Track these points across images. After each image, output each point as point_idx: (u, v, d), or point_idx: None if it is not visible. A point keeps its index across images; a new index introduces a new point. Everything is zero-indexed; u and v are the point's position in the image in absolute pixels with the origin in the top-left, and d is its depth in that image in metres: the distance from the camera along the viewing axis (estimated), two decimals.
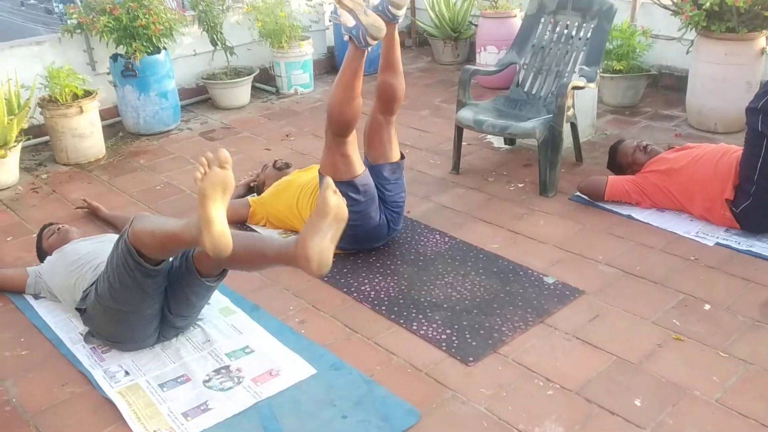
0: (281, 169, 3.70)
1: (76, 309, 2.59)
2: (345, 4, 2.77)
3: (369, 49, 2.82)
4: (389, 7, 2.86)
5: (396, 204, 3.17)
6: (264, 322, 2.72)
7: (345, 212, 2.19)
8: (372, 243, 3.19)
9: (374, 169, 3.10)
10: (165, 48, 4.83)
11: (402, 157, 3.20)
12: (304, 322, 2.75)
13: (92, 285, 2.49)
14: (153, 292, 2.37)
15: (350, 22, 2.76)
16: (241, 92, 5.43)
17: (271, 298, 2.92)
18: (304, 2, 5.94)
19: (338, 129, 2.93)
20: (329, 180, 2.18)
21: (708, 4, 4.08)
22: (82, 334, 2.65)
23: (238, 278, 3.05)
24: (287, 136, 4.83)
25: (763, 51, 4.28)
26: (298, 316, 2.79)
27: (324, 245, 2.13)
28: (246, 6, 5.56)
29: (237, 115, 5.29)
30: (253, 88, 5.62)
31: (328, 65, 6.39)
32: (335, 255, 3.09)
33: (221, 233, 2.06)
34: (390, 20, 2.88)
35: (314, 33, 6.01)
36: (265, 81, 5.84)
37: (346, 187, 2.94)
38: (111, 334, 2.52)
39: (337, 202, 2.16)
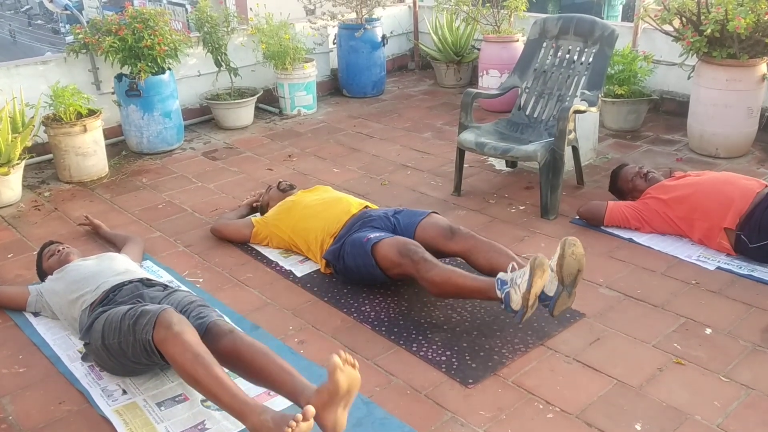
0: (285, 190, 3.70)
1: (81, 340, 2.59)
2: (527, 299, 2.50)
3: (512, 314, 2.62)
4: (553, 310, 2.58)
5: None
6: (264, 342, 2.69)
7: (356, 380, 2.12)
8: (381, 281, 3.11)
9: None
10: (169, 68, 4.87)
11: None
12: (304, 342, 2.74)
13: (95, 313, 2.49)
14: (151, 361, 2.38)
15: (516, 305, 2.52)
16: (244, 113, 5.46)
17: (270, 317, 2.91)
18: (308, 25, 6.00)
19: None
20: (336, 360, 2.05)
21: (709, 30, 4.12)
22: (80, 352, 2.64)
23: (238, 298, 3.05)
24: (290, 156, 4.85)
25: (764, 77, 4.30)
26: (297, 336, 2.78)
27: (337, 415, 2.11)
28: (250, 28, 5.61)
29: (240, 136, 5.32)
30: (257, 108, 5.66)
31: (332, 87, 6.43)
32: (335, 276, 3.15)
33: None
34: (503, 308, 2.60)
35: (318, 55, 6.07)
36: (269, 102, 5.88)
37: (376, 270, 2.93)
38: (112, 369, 2.50)
39: (347, 380, 2.08)
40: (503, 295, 2.55)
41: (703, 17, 4.21)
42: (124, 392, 2.45)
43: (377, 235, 2.96)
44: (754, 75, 4.27)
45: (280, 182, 3.74)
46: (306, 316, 2.91)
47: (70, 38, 4.73)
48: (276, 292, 3.10)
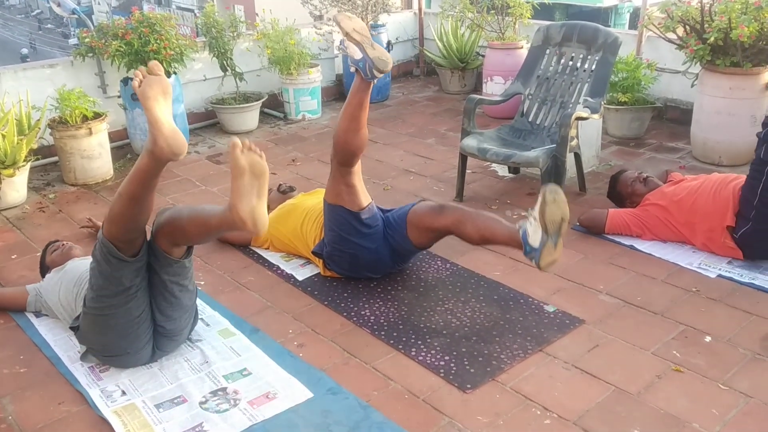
0: (285, 192, 3.73)
1: (70, 328, 2.61)
2: (353, 37, 2.80)
3: (375, 81, 2.84)
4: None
5: (404, 258, 3.23)
6: (263, 345, 2.72)
7: (261, 166, 2.20)
8: (372, 273, 3.18)
9: (402, 241, 3.09)
10: (175, 72, 4.90)
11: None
12: (303, 345, 2.75)
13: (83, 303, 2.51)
14: (133, 284, 2.38)
15: (357, 54, 2.79)
16: (249, 117, 5.48)
17: (270, 320, 2.92)
18: (313, 30, 6.03)
19: (343, 159, 2.93)
20: (236, 140, 2.20)
21: (713, 38, 4.12)
22: (80, 353, 2.65)
23: (239, 301, 3.07)
24: (293, 161, 4.87)
25: (767, 86, 4.30)
26: (296, 339, 2.79)
27: (252, 204, 2.18)
28: (256, 33, 5.64)
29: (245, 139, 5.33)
30: (262, 113, 5.68)
31: (337, 92, 6.45)
32: (336, 279, 3.16)
33: (172, 130, 2.18)
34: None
35: (323, 60, 6.09)
36: (274, 107, 5.91)
37: (351, 217, 2.97)
38: (104, 346, 2.52)
39: (248, 160, 2.18)
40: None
41: (706, 25, 4.22)
42: (123, 393, 2.46)
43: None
44: (758, 83, 4.27)
45: (280, 185, 3.76)
46: (306, 320, 2.92)
47: (73, 41, 4.77)
48: (276, 295, 3.11)
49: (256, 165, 2.19)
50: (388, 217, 3.14)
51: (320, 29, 6.05)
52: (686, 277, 3.15)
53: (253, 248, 3.52)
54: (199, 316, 2.82)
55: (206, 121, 5.66)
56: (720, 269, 3.19)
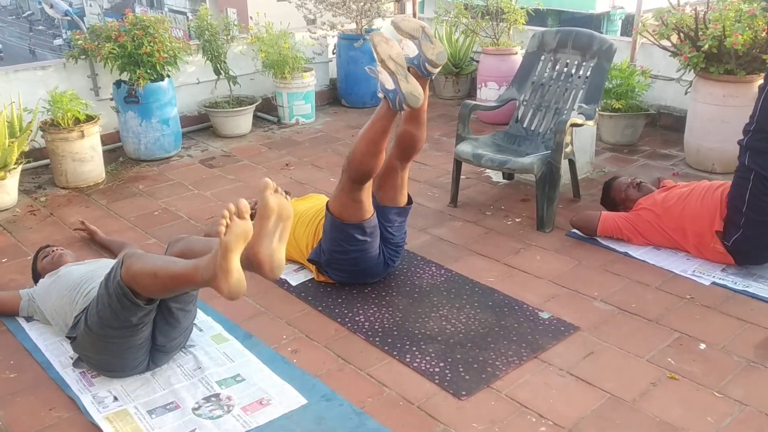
0: None
1: (67, 337, 2.58)
2: (388, 66, 2.76)
3: (402, 112, 2.83)
4: (426, 64, 2.84)
5: (397, 245, 3.17)
6: (256, 351, 2.70)
7: (288, 209, 2.19)
8: (369, 278, 3.17)
9: (381, 210, 3.09)
10: (168, 76, 4.88)
11: (410, 201, 3.19)
12: (297, 351, 2.73)
13: (83, 312, 2.48)
14: (144, 322, 2.36)
15: (389, 84, 2.75)
16: (242, 121, 5.46)
17: (264, 326, 2.90)
18: (307, 34, 6.02)
19: (357, 177, 2.90)
20: (267, 181, 2.17)
21: (707, 46, 4.14)
22: (72, 358, 2.62)
23: (232, 307, 3.04)
24: (287, 165, 4.85)
25: None
26: (290, 345, 2.77)
27: (273, 247, 2.15)
28: (250, 37, 5.63)
29: (238, 144, 5.32)
30: (255, 117, 5.66)
31: (330, 96, 6.44)
32: (330, 284, 3.14)
33: (239, 281, 2.07)
34: (424, 76, 2.87)
35: (317, 65, 6.08)
36: (267, 111, 5.89)
37: (353, 229, 2.97)
38: (101, 363, 2.50)
39: (278, 202, 2.16)
40: (379, 88, 2.75)
41: (700, 33, 4.23)
42: (115, 399, 2.44)
43: None
44: (751, 91, 4.28)
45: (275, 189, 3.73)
46: (300, 326, 2.90)
47: (58, 41, 4.75)
48: (270, 300, 3.09)
49: (285, 208, 2.17)
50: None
51: (314, 33, 6.04)
52: (680, 285, 3.15)
53: None
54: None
55: (199, 125, 5.63)
56: (714, 276, 3.19)
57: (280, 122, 5.79)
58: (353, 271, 3.10)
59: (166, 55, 4.68)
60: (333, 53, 6.33)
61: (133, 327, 2.34)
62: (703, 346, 2.71)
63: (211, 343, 2.75)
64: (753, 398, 2.41)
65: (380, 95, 2.80)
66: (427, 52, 2.81)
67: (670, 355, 2.65)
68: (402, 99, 2.71)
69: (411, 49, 2.84)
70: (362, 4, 5.92)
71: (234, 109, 5.39)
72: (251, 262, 2.14)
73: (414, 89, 2.72)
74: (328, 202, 3.08)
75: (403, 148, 3.04)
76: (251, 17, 6.19)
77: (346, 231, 2.96)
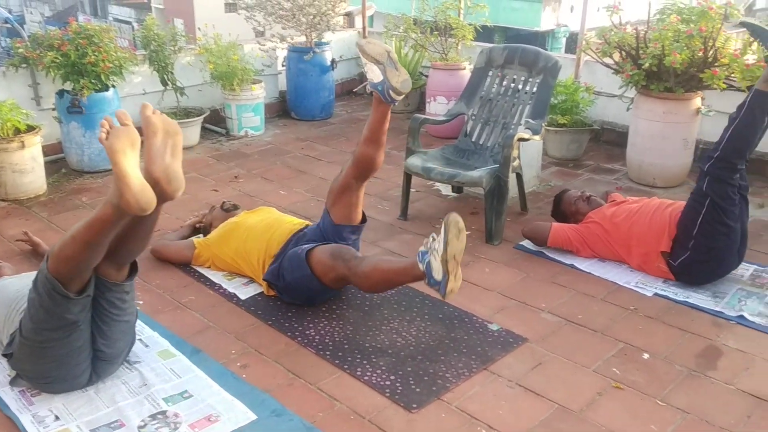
0: (229, 210, 3.66)
1: (3, 355, 2.48)
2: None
3: (395, 103, 2.85)
4: (390, 91, 2.82)
5: None
6: (204, 366, 2.65)
7: (174, 125, 2.19)
8: (324, 297, 3.14)
9: (336, 228, 3.10)
10: (113, 86, 4.78)
11: (364, 219, 3.19)
12: (246, 366, 2.69)
13: (17, 329, 2.39)
14: (80, 320, 2.28)
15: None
16: (189, 133, 5.39)
17: (212, 341, 2.85)
18: (257, 46, 5.99)
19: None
20: (145, 103, 2.19)
21: (647, 64, 4.27)
22: (10, 377, 2.53)
23: (180, 321, 2.99)
24: (236, 177, 4.80)
25: (698, 111, 4.48)
26: (240, 360, 2.73)
27: (167, 162, 2.13)
28: (198, 48, 5.56)
29: (185, 156, 5.14)
30: (203, 129, 5.59)
31: (280, 109, 6.41)
32: (280, 298, 3.11)
33: (142, 185, 2.04)
34: (387, 102, 2.87)
35: (267, 77, 6.05)
36: (216, 122, 5.82)
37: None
38: (40, 374, 2.41)
39: (161, 119, 2.16)
40: (425, 267, 2.55)
41: (641, 51, 4.37)
42: (57, 418, 2.35)
43: (312, 245, 2.98)
44: (689, 108, 4.45)
45: (223, 202, 3.69)
46: (249, 340, 2.86)
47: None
48: (218, 315, 3.05)
49: (170, 124, 2.17)
50: (322, 227, 3.16)
51: (264, 45, 6.01)
52: (624, 296, 3.23)
53: (194, 267, 3.44)
54: (138, 337, 2.73)
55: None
56: (656, 288, 3.28)
57: (228, 134, 5.73)
58: (310, 299, 3.08)
59: (111, 65, 4.59)
60: (283, 65, 6.31)
61: (70, 325, 2.27)
62: (646, 355, 2.78)
63: (157, 359, 2.69)
64: (694, 406, 2.48)
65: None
66: (392, 79, 2.79)
67: (615, 365, 2.71)
68: (389, 88, 2.75)
69: (375, 75, 2.82)
70: (312, 17, 5.92)
71: (181, 121, 5.31)
72: (149, 183, 2.10)
73: (401, 76, 2.76)
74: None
75: (360, 169, 3.03)
76: (199, 28, 6.13)
77: (313, 283, 2.95)
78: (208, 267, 3.43)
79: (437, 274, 2.50)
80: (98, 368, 2.47)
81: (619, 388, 2.58)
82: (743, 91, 4.11)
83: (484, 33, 6.07)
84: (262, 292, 3.20)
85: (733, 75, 4.14)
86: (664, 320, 3.03)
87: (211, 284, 3.29)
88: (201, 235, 3.67)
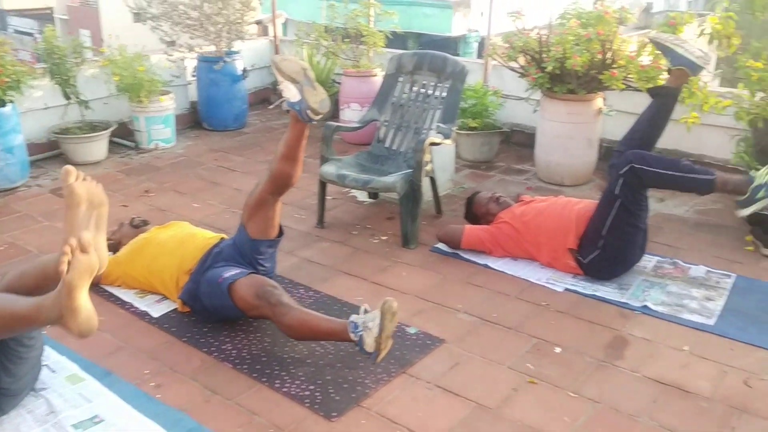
0: (138, 226, 3.56)
1: None
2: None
3: (313, 122, 2.77)
4: (308, 111, 2.74)
5: (267, 275, 3.12)
6: (116, 389, 2.56)
7: (100, 195, 2.09)
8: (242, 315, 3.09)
9: (253, 244, 3.04)
10: (11, 101, 4.57)
11: (281, 233, 3.14)
12: (161, 385, 2.62)
13: None
14: None
15: (294, 96, 2.70)
16: (96, 147, 5.21)
17: (124, 362, 2.76)
18: (165, 57, 5.85)
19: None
20: (68, 167, 2.07)
21: (550, 67, 4.42)
22: None
23: (89, 343, 2.86)
24: (146, 192, 4.67)
25: (600, 111, 4.67)
26: (153, 380, 2.65)
27: (98, 239, 2.05)
28: (102, 60, 5.39)
29: (92, 171, 5.05)
30: (111, 143, 5.41)
31: (191, 120, 6.28)
32: (193, 314, 3.04)
33: (88, 318, 1.93)
34: (305, 121, 2.79)
35: (176, 87, 5.92)
36: (124, 136, 5.64)
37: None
38: None
39: (86, 188, 2.05)
40: (357, 338, 2.59)
41: (544, 55, 4.52)
42: None
43: (232, 273, 2.89)
44: (592, 109, 4.63)
45: (133, 218, 3.59)
46: (163, 359, 2.79)
47: None
48: (130, 334, 2.95)
49: (95, 194, 2.04)
50: (237, 242, 3.10)
51: (171, 56, 5.88)
52: (536, 292, 3.33)
53: (104, 286, 3.32)
54: (44, 363, 2.61)
55: (49, 152, 5.29)
56: (566, 283, 3.40)
57: (138, 147, 5.57)
58: (227, 318, 3.02)
59: (8, 80, 4.39)
60: (192, 76, 6.19)
61: None
62: (558, 349, 2.87)
63: (65, 384, 2.58)
64: (604, 395, 2.57)
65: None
66: (310, 99, 2.71)
67: (529, 361, 2.79)
68: (307, 108, 2.70)
69: (292, 94, 2.74)
70: (220, 26, 5.83)
71: (87, 135, 5.13)
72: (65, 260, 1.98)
73: (320, 96, 2.72)
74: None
75: (276, 185, 2.98)
76: (102, 39, 5.92)
77: (236, 313, 2.89)
78: (119, 286, 3.32)
79: (369, 348, 2.57)
80: (3, 405, 2.35)
81: (534, 382, 2.65)
82: (641, 90, 4.32)
83: (397, 39, 6.13)
84: (176, 309, 3.12)
85: (630, 76, 4.33)
86: (574, 314, 3.14)
87: (122, 303, 3.19)
88: (110, 253, 3.54)
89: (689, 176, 3.18)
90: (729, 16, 3.96)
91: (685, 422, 2.43)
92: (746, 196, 3.15)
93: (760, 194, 3.10)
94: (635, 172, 3.20)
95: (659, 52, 3.72)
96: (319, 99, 2.74)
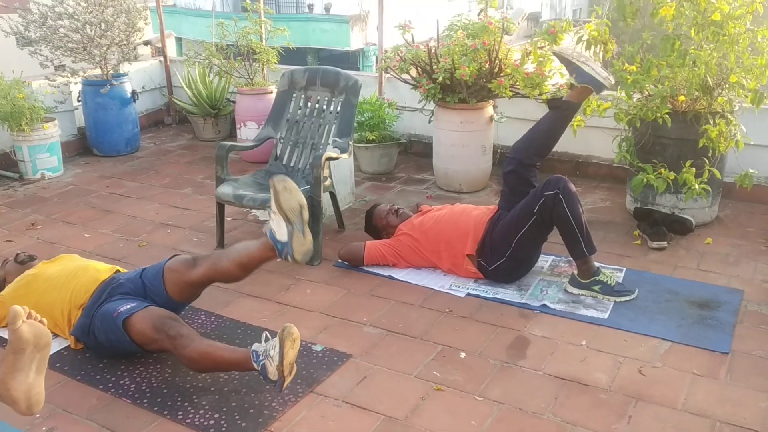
0: (24, 262, 3.35)
1: None
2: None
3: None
4: (289, 257, 2.63)
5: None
6: None
7: (47, 336, 2.04)
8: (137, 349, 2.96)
9: (175, 304, 2.96)
10: None
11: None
12: (54, 429, 2.47)
13: None
14: None
15: (282, 235, 2.56)
16: None
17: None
18: (46, 82, 5.59)
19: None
20: (16, 309, 2.00)
21: (441, 78, 4.52)
22: None
23: None
24: (33, 225, 4.43)
25: (491, 118, 4.80)
26: (45, 423, 2.50)
27: (29, 381, 1.97)
28: None
29: None
30: None
31: (80, 146, 6.02)
32: (87, 350, 2.90)
33: (29, 406, 1.94)
34: (280, 258, 2.69)
35: (61, 114, 5.66)
36: (6, 167, 5.35)
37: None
38: None
39: (33, 331, 1.98)
40: (260, 367, 2.54)
41: (435, 66, 4.61)
42: None
43: (128, 307, 2.78)
44: (483, 117, 4.75)
45: (17, 254, 3.38)
46: (55, 400, 2.64)
47: None
48: None
49: (42, 336, 1.98)
50: (145, 277, 2.98)
51: (54, 81, 5.63)
52: (440, 300, 3.37)
53: None
54: None
55: None
56: (468, 288, 3.46)
57: (22, 178, 5.29)
58: (124, 353, 2.88)
59: None
60: (78, 101, 5.94)
61: None
62: (463, 354, 2.91)
63: None
64: (509, 396, 2.63)
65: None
66: (296, 247, 2.60)
67: (435, 368, 2.81)
68: (289, 253, 2.58)
69: (281, 232, 2.60)
70: (105, 49, 5.63)
71: None
72: (3, 398, 1.92)
73: (307, 247, 2.61)
74: (126, 322, 2.73)
75: (218, 280, 2.92)
76: None
77: (132, 348, 2.79)
78: (4, 327, 3.12)
79: (273, 376, 2.51)
80: None
81: (441, 389, 2.68)
82: (528, 97, 4.49)
83: (297, 55, 6.13)
84: (68, 346, 2.97)
85: (517, 83, 4.49)
86: (476, 318, 3.20)
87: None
88: None
89: (581, 237, 3.28)
90: (604, 23, 4.18)
91: (586, 414, 2.52)
92: (587, 280, 3.34)
93: (596, 287, 3.32)
94: (556, 200, 3.25)
95: (561, 65, 3.83)
96: (304, 250, 2.62)
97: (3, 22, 5.51)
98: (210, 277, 2.91)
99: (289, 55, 5.94)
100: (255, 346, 2.58)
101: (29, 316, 1.97)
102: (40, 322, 2.00)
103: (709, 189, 3.83)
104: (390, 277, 3.60)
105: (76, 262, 3.27)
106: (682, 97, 3.91)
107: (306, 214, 2.64)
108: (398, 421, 2.50)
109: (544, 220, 3.31)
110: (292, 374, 2.55)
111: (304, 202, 2.65)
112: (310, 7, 18.99)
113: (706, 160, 3.85)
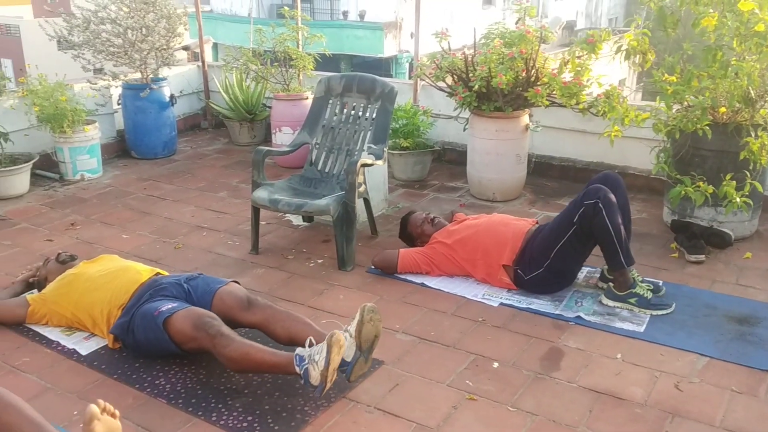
0: (65, 262, 3.42)
1: None
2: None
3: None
4: (345, 375, 2.60)
5: None
6: None
7: (118, 428, 2.13)
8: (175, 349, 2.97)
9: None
10: None
11: None
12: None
13: None
14: None
15: (315, 380, 2.50)
16: (18, 181, 5.02)
17: (51, 404, 2.65)
18: (88, 85, 5.71)
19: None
20: (92, 409, 2.09)
21: (477, 86, 4.51)
22: None
23: (13, 387, 2.71)
24: (72, 225, 4.52)
25: (527, 127, 4.78)
26: (83, 420, 2.54)
27: None
28: (21, 90, 5.21)
29: (14, 205, 4.87)
30: (34, 175, 5.23)
31: (119, 149, 6.13)
32: (123, 350, 2.95)
33: None
34: (297, 376, 2.60)
35: (101, 116, 5.77)
36: (48, 167, 5.46)
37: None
38: None
39: (106, 427, 2.09)
40: (302, 372, 2.53)
41: (471, 75, 4.61)
42: None
43: (169, 306, 2.82)
44: (519, 125, 4.73)
45: (59, 254, 3.46)
46: (93, 398, 2.64)
47: None
48: (58, 374, 2.84)
49: (113, 429, 2.08)
50: (191, 292, 3.01)
51: (95, 84, 5.74)
52: (473, 309, 3.36)
53: (29, 326, 3.19)
54: None
55: None
56: (501, 298, 3.44)
57: (63, 179, 5.40)
58: (161, 353, 2.90)
59: None
60: (118, 104, 6.05)
61: None
62: (496, 364, 2.90)
63: None
64: (542, 408, 2.61)
65: (297, 370, 2.55)
66: (356, 371, 2.61)
67: (467, 377, 2.80)
68: (348, 374, 2.60)
69: (348, 354, 2.58)
70: (145, 53, 5.73)
71: (7, 168, 4.94)
72: None
73: (364, 371, 2.68)
74: (166, 321, 2.76)
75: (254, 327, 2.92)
76: (21, 69, 5.74)
77: (171, 347, 2.82)
78: (45, 324, 3.19)
79: (315, 381, 2.50)
80: None
81: (473, 399, 2.66)
82: (565, 106, 4.46)
83: (330, 61, 6.16)
84: (106, 345, 3.02)
85: (554, 92, 4.46)
86: (510, 328, 3.18)
87: (48, 342, 3.06)
88: (35, 291, 3.41)
89: (620, 248, 3.24)
90: (644, 33, 4.14)
91: (621, 429, 2.49)
92: (623, 293, 3.30)
93: (632, 300, 3.29)
94: (596, 209, 3.22)
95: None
96: (361, 373, 2.68)
97: (48, 26, 5.64)
98: (257, 328, 2.91)
99: (323, 62, 5.98)
100: (299, 350, 2.58)
101: (103, 410, 2.05)
102: (112, 415, 2.09)
103: (751, 202, 3.76)
104: (423, 284, 3.59)
105: (116, 263, 3.32)
106: (723, 109, 3.85)
107: (377, 343, 2.67)
108: (430, 429, 2.49)
109: (584, 230, 3.28)
110: (332, 381, 2.55)
111: (380, 332, 2.68)
112: (345, 13, 19.14)
113: (747, 173, 3.78)
